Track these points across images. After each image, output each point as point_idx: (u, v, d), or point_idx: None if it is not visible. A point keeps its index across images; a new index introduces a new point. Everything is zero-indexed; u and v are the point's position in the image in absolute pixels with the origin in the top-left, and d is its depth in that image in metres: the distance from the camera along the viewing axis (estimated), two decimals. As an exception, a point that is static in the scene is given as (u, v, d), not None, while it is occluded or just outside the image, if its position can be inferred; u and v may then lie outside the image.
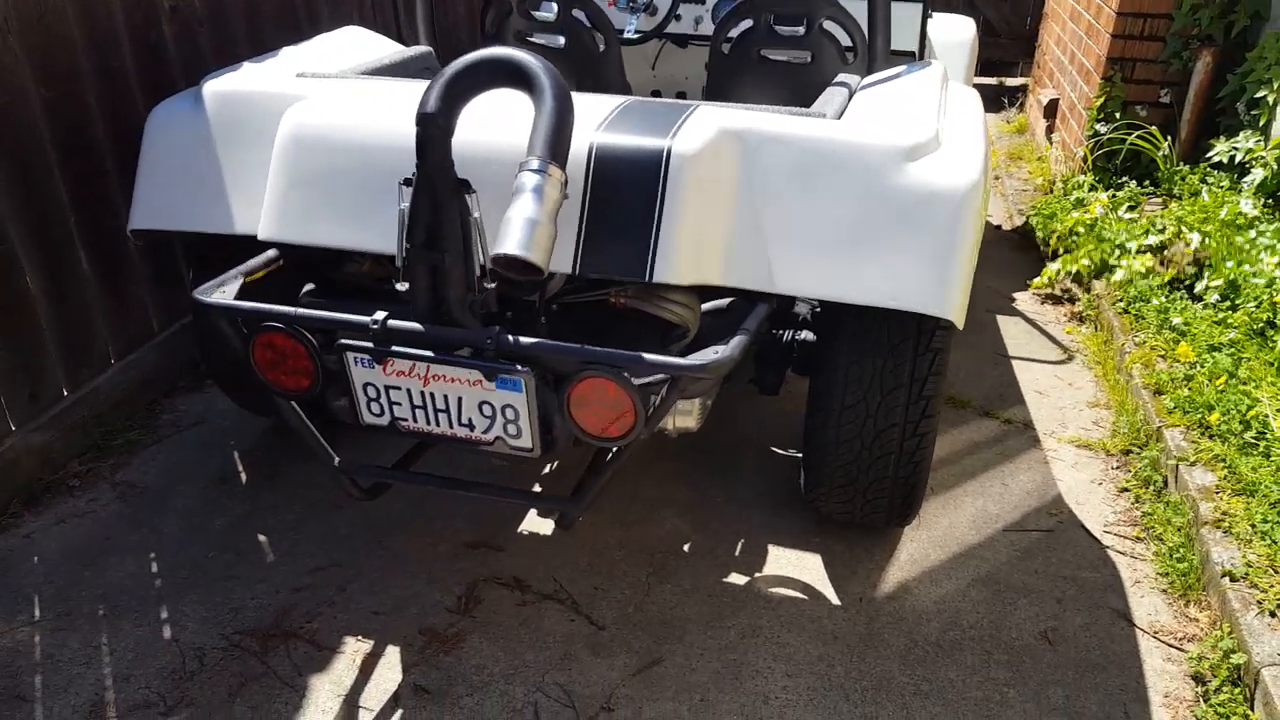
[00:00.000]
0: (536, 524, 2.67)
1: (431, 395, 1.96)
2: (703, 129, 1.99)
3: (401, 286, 1.93)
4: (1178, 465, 2.73)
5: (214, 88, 2.34)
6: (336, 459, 2.17)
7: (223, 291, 2.06)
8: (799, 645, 2.30)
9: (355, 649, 2.27)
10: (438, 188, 1.80)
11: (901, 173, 1.97)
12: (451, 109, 1.80)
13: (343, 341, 1.94)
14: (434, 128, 1.77)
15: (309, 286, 2.33)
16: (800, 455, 2.71)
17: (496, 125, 2.02)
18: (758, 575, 2.51)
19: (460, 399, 1.95)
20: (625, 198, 1.93)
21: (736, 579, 2.50)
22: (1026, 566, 2.57)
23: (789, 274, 2.00)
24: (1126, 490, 2.88)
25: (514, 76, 1.83)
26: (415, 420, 2.01)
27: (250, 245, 2.25)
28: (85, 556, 2.55)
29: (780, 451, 3.04)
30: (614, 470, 2.03)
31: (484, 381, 1.90)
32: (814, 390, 2.33)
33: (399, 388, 1.97)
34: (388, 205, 2.02)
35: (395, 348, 1.91)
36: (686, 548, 2.61)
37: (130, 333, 3.13)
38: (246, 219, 2.27)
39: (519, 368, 1.86)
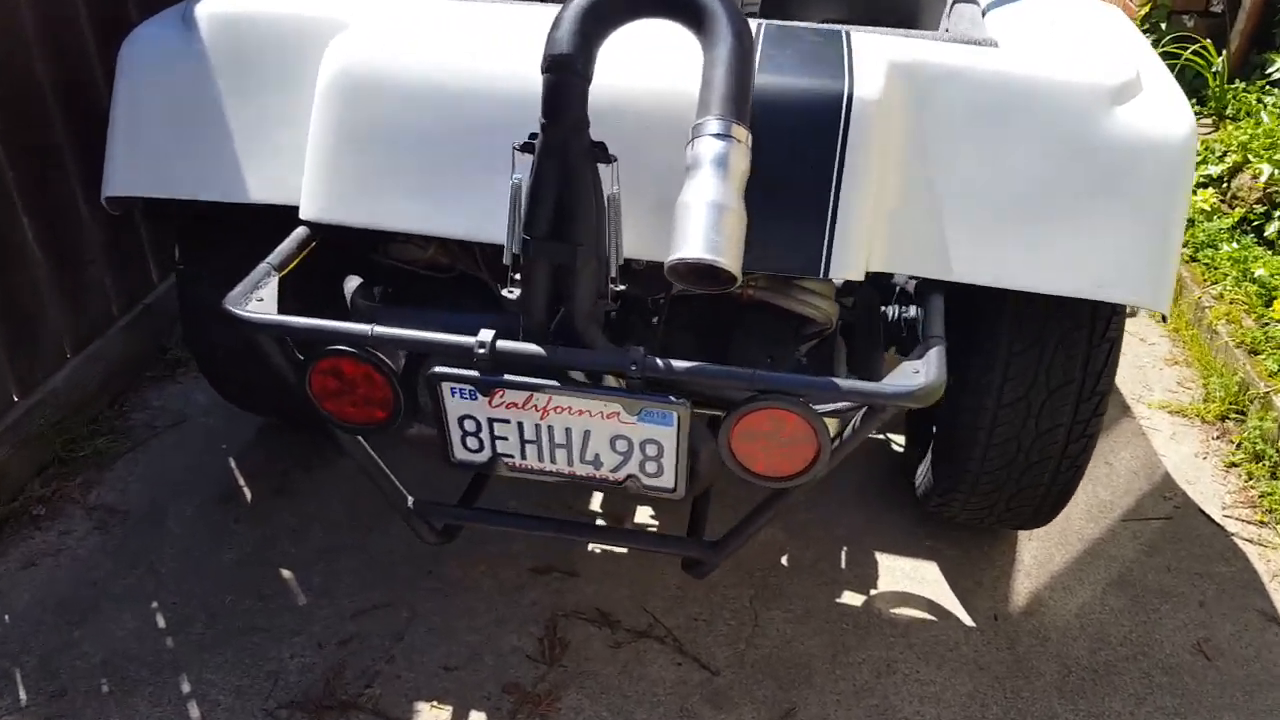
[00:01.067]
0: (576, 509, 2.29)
1: (549, 429, 1.56)
2: (875, 64, 1.58)
3: (511, 293, 1.51)
4: (1304, 443, 2.50)
5: (211, 7, 1.81)
6: (411, 500, 1.76)
7: (259, 300, 1.59)
8: (944, 682, 2.00)
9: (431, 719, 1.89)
10: (571, 157, 1.37)
11: (1107, 121, 1.59)
12: (591, 48, 1.36)
13: (437, 371, 1.51)
14: (571, 74, 1.34)
15: (354, 281, 1.87)
16: (903, 448, 2.40)
17: (627, 59, 1.57)
18: (874, 593, 2.20)
19: (587, 433, 1.55)
20: (792, 164, 1.51)
21: (851, 599, 2.18)
22: (1157, 563, 2.32)
23: (967, 257, 1.62)
24: (1235, 465, 2.65)
25: (675, 3, 1.39)
26: (524, 457, 1.61)
27: (258, 214, 1.79)
28: (71, 611, 2.09)
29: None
30: (773, 514, 1.67)
31: (622, 414, 1.50)
32: (961, 385, 1.98)
33: (507, 421, 1.56)
34: (479, 175, 1.57)
35: (508, 377, 1.49)
36: (785, 560, 2.28)
37: (88, 319, 2.59)
38: (269, 184, 1.78)
39: (672, 399, 1.47)
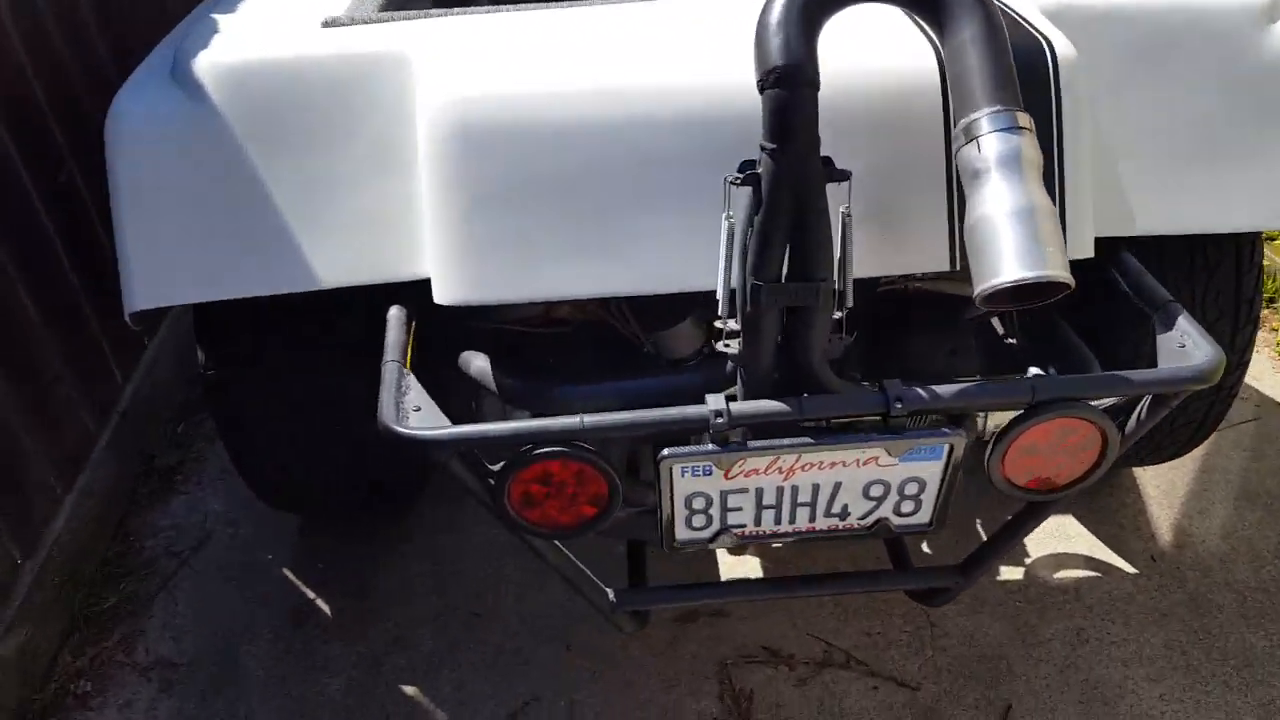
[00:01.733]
0: (725, 563, 2.11)
1: (793, 489, 1.36)
2: (1035, 11, 1.43)
3: (728, 346, 1.29)
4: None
5: (210, 59, 1.48)
6: (612, 593, 1.52)
7: (417, 409, 1.32)
8: (1136, 638, 1.94)
9: (651, 819, 1.68)
10: (807, 183, 1.17)
11: (1265, 41, 1.49)
12: (815, 50, 1.16)
13: (669, 454, 1.28)
14: (804, 85, 1.12)
15: (478, 357, 1.59)
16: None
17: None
18: (1030, 562, 2.11)
19: (838, 485, 1.36)
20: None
21: (1012, 574, 2.08)
22: (1269, 466, 2.33)
23: (1146, 208, 1.52)
24: (1286, 352, 2.69)
25: None
26: (758, 524, 1.41)
27: (288, 302, 1.51)
28: (179, 800, 1.76)
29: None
30: (1025, 534, 1.52)
31: (882, 457, 1.32)
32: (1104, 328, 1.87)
33: (744, 490, 1.35)
34: (659, 217, 1.34)
35: (755, 444, 1.28)
36: (925, 547, 2.16)
37: (68, 446, 2.19)
38: (341, 262, 1.49)
39: (947, 431, 1.30)
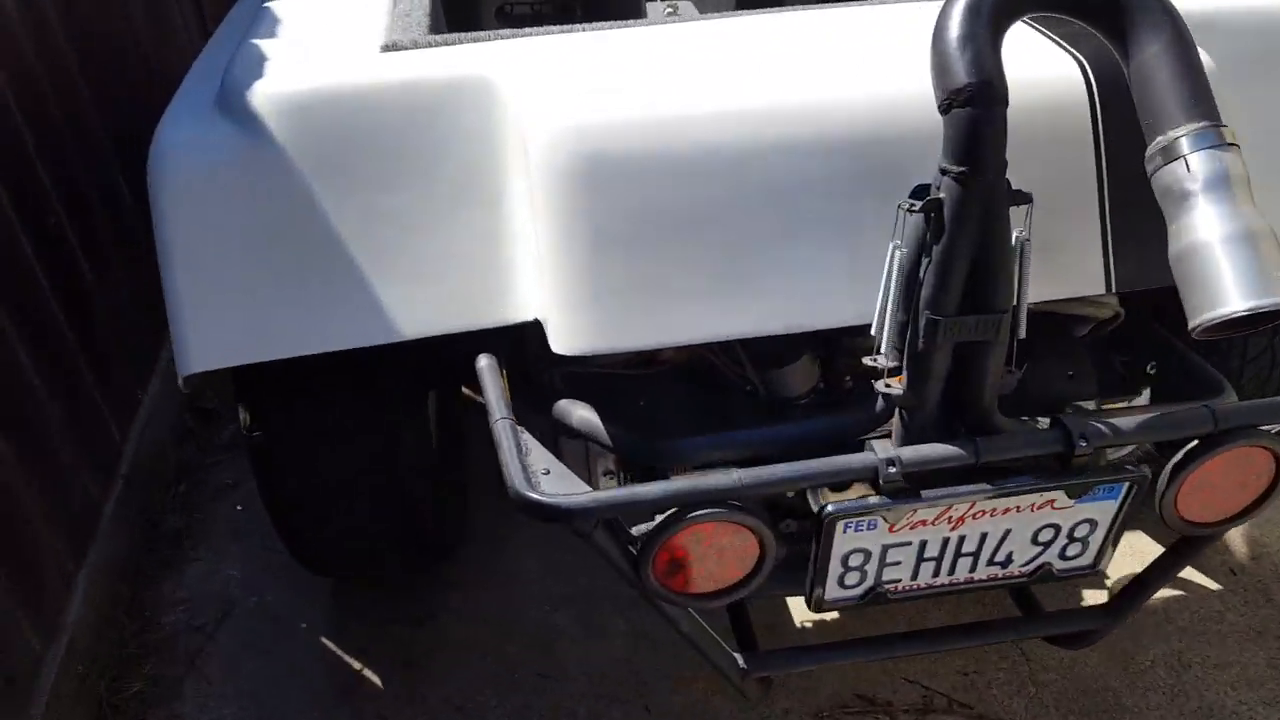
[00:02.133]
0: (795, 610, 2.00)
1: (960, 539, 1.25)
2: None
3: (890, 386, 1.18)
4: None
5: (269, 89, 1.31)
6: (741, 659, 1.40)
7: (545, 472, 1.18)
8: (1239, 659, 1.88)
9: None
10: (995, 203, 1.07)
11: None
12: (1001, 60, 1.07)
13: (835, 509, 1.17)
14: (997, 103, 1.03)
15: (580, 410, 1.44)
16: None
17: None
18: (1108, 582, 2.04)
19: (1007, 531, 1.26)
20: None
21: (1095, 598, 2.01)
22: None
23: None
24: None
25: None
26: (915, 578, 1.30)
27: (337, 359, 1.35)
28: None
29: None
30: (1189, 560, 1.44)
31: (1060, 499, 1.22)
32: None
33: (908, 543, 1.24)
34: (802, 249, 1.22)
35: (927, 493, 1.17)
36: (1002, 574, 2.07)
37: (76, 519, 1.98)
38: (423, 312, 1.34)
39: (1131, 469, 1.20)
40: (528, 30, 1.48)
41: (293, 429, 1.62)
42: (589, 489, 1.15)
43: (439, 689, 1.90)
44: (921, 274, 1.10)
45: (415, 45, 1.43)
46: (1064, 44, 1.28)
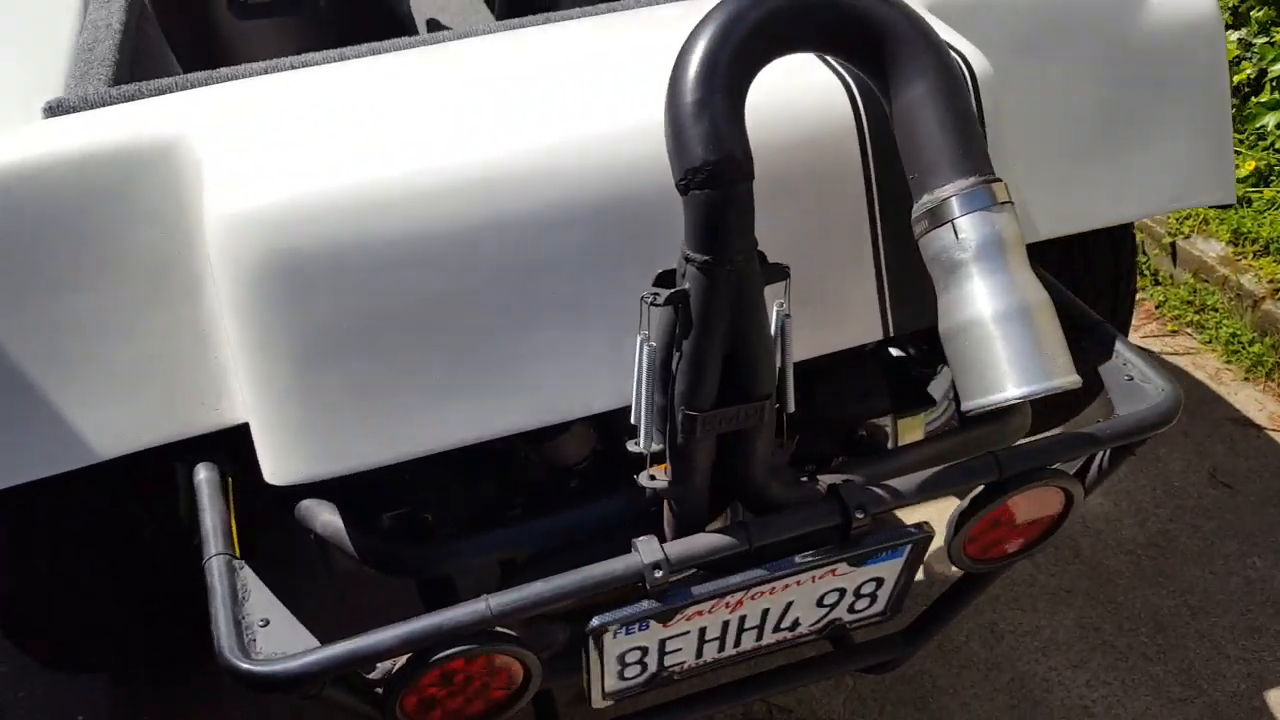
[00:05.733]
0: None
1: (741, 619, 1.16)
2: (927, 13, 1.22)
3: (652, 479, 1.06)
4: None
5: None
6: None
7: (264, 627, 1.01)
8: (1049, 623, 1.90)
9: None
10: (745, 292, 0.93)
11: (1142, 13, 1.36)
12: (744, 127, 0.92)
13: (600, 623, 1.04)
14: (741, 180, 0.90)
15: (325, 512, 1.26)
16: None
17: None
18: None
19: (789, 604, 1.17)
20: None
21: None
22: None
23: (1049, 210, 1.36)
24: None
25: (844, 34, 0.97)
26: (699, 656, 1.21)
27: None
28: None
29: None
30: (974, 598, 1.39)
31: (841, 567, 1.14)
32: None
33: (686, 633, 1.13)
34: (526, 338, 1.06)
35: (699, 589, 1.06)
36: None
37: None
38: (131, 424, 1.13)
39: (912, 530, 1.12)
40: (222, 74, 1.23)
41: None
42: (313, 644, 0.98)
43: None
44: (674, 367, 0.96)
45: (85, 104, 1.17)
46: (833, 65, 1.14)
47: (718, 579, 1.07)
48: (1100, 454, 1.25)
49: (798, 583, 1.13)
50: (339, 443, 1.03)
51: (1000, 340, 0.92)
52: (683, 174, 0.88)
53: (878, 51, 0.97)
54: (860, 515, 1.07)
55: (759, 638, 1.21)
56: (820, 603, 1.19)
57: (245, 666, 0.95)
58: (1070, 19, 1.33)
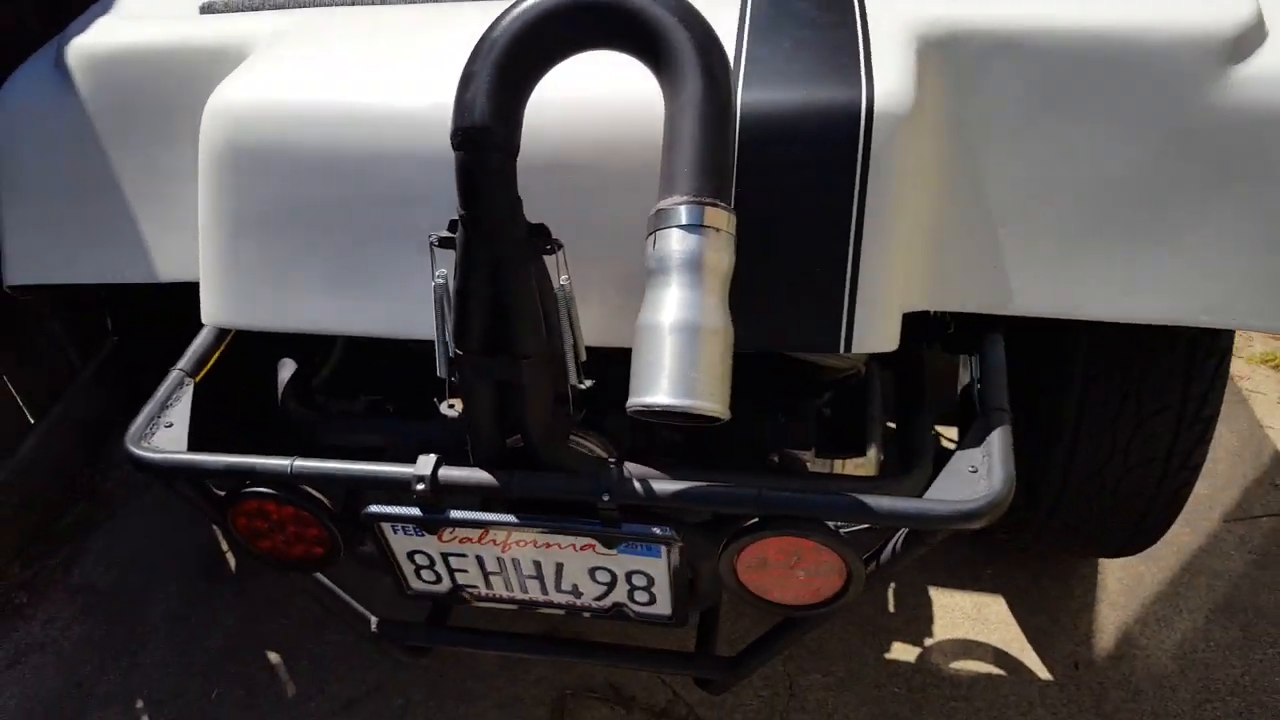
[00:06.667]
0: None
1: (515, 561, 1.29)
2: (900, 46, 1.19)
3: (450, 409, 1.23)
4: None
5: (84, 43, 1.49)
6: (374, 621, 1.52)
7: (168, 425, 1.34)
8: (1021, 757, 1.73)
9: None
10: (503, 251, 1.06)
11: (1220, 85, 1.16)
12: (515, 109, 1.03)
13: (371, 512, 1.25)
14: (490, 150, 1.00)
15: (288, 368, 1.59)
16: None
17: (571, 86, 1.22)
18: (929, 643, 1.92)
19: (560, 565, 1.28)
20: (794, 208, 1.15)
21: (903, 653, 1.91)
22: (1271, 579, 1.99)
23: (1032, 286, 1.25)
24: (1357, 439, 2.28)
25: (620, 33, 1.04)
26: (490, 587, 1.35)
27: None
28: (56, 717, 1.92)
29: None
30: (794, 640, 1.38)
31: (598, 547, 1.23)
32: (1027, 412, 1.63)
33: (463, 554, 1.29)
34: (412, 256, 1.27)
35: (456, 514, 1.22)
36: (830, 604, 2.00)
37: (48, 379, 2.38)
38: (176, 259, 1.51)
39: (657, 531, 1.18)
40: (329, 2, 1.56)
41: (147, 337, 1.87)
42: (181, 450, 1.28)
43: (271, 584, 2.14)
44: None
45: (226, 8, 1.57)
46: None
47: (478, 512, 1.22)
48: (896, 537, 1.19)
49: (559, 545, 1.23)
50: (253, 303, 1.31)
51: (669, 350, 0.96)
52: (450, 132, 1.01)
53: (656, 58, 1.02)
54: (606, 497, 1.15)
55: (544, 591, 1.32)
56: (595, 578, 1.28)
57: (129, 448, 1.27)
58: (1122, 78, 1.18)
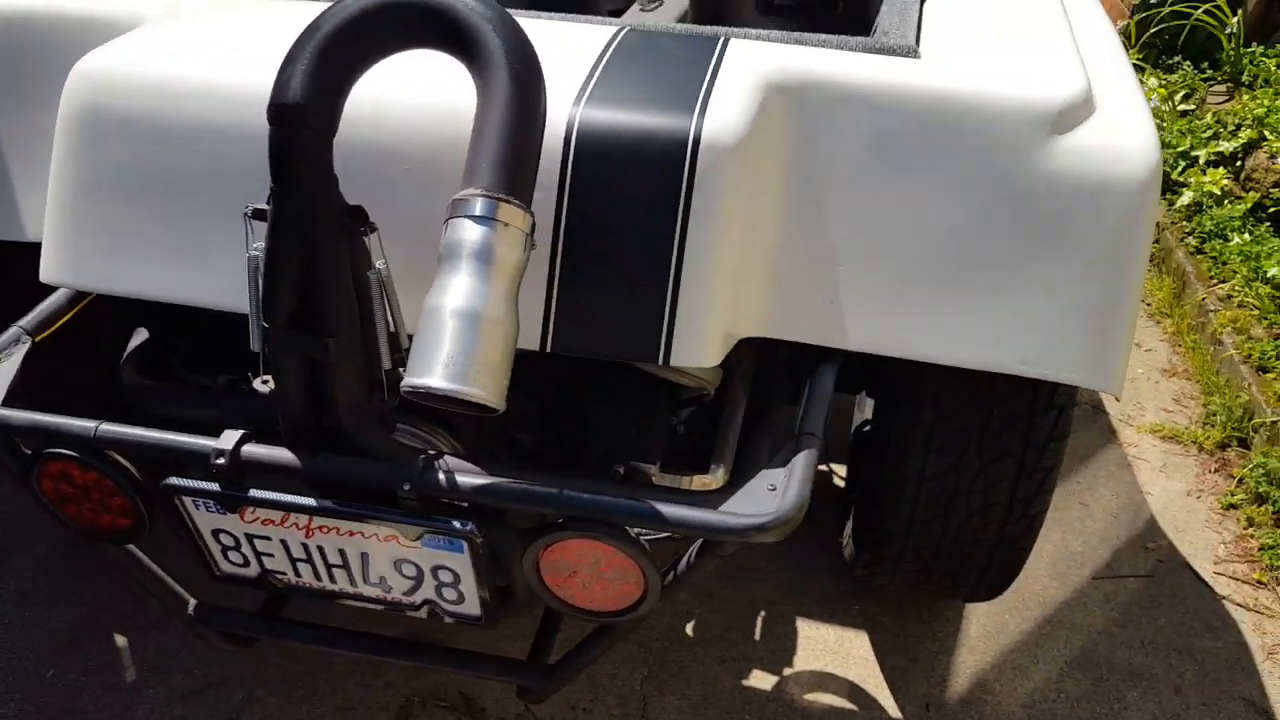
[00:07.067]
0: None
1: (320, 549, 1.26)
2: (744, 87, 1.24)
3: (263, 385, 1.21)
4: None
5: None
6: (192, 604, 1.48)
7: None
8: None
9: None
10: (313, 229, 1.05)
11: (1046, 153, 1.24)
12: (332, 91, 1.04)
13: (171, 483, 1.22)
14: (301, 127, 1.01)
15: (139, 336, 1.56)
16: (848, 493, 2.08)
17: (406, 83, 1.24)
18: (788, 673, 1.90)
19: (365, 555, 1.25)
20: (623, 222, 1.19)
21: (760, 681, 1.89)
22: (1130, 636, 2.00)
23: (864, 323, 1.29)
24: (1234, 508, 2.30)
25: (438, 33, 1.06)
26: (298, 575, 1.32)
27: None
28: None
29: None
30: (606, 649, 1.36)
31: (401, 538, 1.20)
32: (877, 446, 1.66)
33: (266, 537, 1.26)
34: (223, 231, 1.26)
35: (255, 493, 1.19)
36: (690, 629, 1.98)
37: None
38: (22, 219, 1.50)
39: (457, 525, 1.16)
40: None
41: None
42: None
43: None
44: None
45: None
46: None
47: (275, 494, 1.19)
48: (692, 548, 1.18)
49: (362, 534, 1.21)
50: (87, 264, 1.30)
51: (448, 334, 0.96)
52: (269, 109, 1.02)
53: (471, 59, 1.04)
54: (406, 487, 1.14)
55: (353, 582, 1.29)
56: (401, 571, 1.25)
57: None
58: (956, 139, 1.25)
